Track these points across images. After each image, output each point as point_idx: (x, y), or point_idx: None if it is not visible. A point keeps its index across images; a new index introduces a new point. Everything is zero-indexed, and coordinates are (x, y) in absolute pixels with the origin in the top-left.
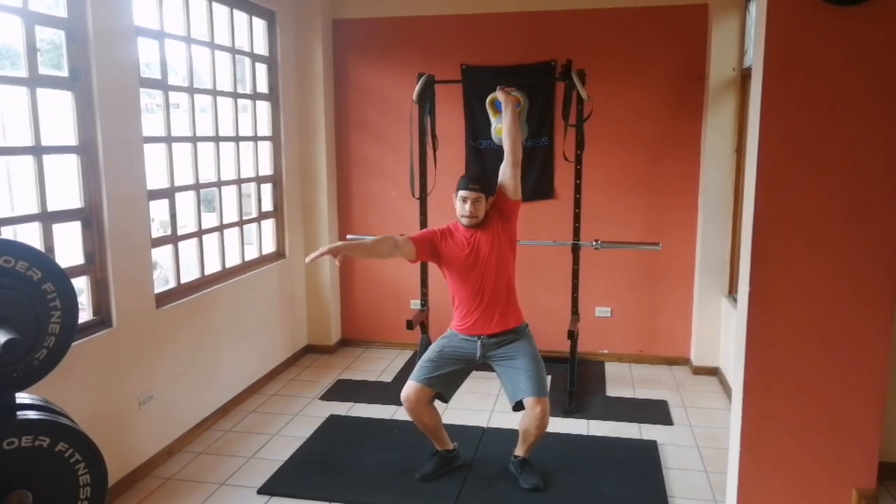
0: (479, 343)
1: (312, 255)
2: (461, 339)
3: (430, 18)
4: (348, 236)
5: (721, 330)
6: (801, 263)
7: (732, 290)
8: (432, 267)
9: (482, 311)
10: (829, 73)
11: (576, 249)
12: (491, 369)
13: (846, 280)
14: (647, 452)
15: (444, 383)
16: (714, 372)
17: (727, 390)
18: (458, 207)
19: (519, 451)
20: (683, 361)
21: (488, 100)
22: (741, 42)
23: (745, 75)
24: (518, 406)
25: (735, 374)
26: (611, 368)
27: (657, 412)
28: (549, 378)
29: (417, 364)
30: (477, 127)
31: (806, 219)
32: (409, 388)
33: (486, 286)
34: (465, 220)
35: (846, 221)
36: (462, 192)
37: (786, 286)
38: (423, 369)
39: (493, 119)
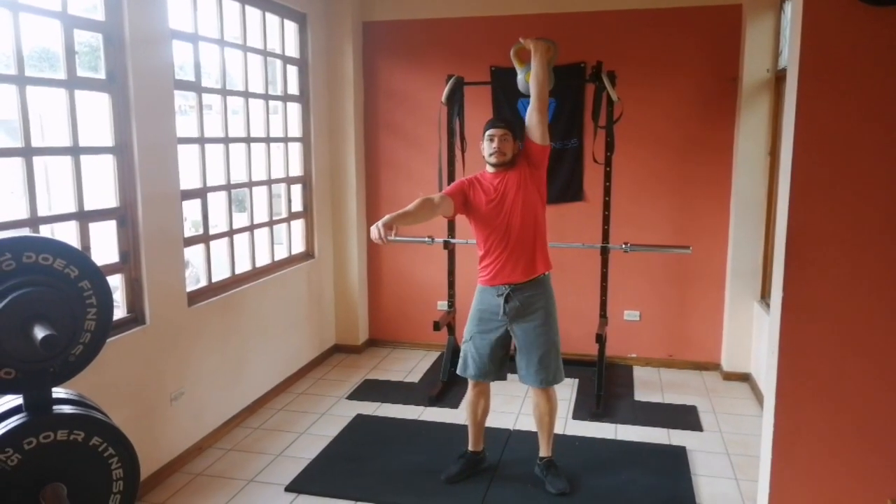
0: (503, 300)
1: (382, 237)
2: (489, 298)
3: (458, 20)
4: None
5: (753, 335)
6: (837, 271)
7: (765, 295)
8: (459, 268)
9: (507, 257)
10: (866, 74)
11: (605, 252)
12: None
13: (883, 288)
14: (676, 458)
15: (496, 370)
16: (745, 378)
17: (759, 397)
18: (485, 148)
19: (542, 449)
20: (714, 367)
21: (513, 51)
22: (776, 43)
23: (779, 77)
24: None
25: (767, 382)
26: (639, 373)
27: (686, 418)
28: (561, 354)
29: (464, 349)
30: None
31: (842, 225)
32: (472, 386)
33: (512, 230)
34: (493, 159)
35: (883, 228)
36: (490, 131)
37: (820, 293)
38: (474, 364)
39: (518, 68)
